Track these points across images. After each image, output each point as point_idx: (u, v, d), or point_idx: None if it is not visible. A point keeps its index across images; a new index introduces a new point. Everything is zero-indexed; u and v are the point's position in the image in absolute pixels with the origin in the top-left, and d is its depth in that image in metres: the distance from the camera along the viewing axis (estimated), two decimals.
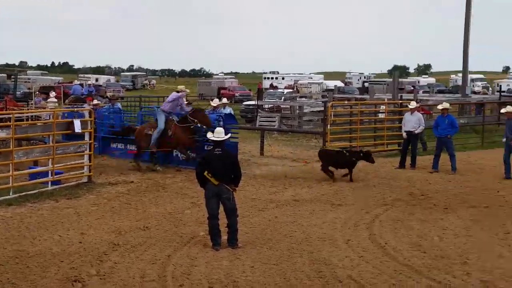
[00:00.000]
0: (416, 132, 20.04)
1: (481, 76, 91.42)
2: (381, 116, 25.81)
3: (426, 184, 17.15)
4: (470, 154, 22.78)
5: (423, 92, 62.10)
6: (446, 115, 19.58)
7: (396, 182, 17.29)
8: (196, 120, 18.50)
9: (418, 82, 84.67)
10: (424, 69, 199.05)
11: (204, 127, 18.13)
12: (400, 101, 26.60)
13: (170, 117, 18.95)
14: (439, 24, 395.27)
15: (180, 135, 18.61)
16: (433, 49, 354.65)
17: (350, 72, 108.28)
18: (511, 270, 9.59)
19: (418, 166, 19.80)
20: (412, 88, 58.35)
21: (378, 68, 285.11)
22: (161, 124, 18.66)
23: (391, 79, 44.38)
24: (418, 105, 21.54)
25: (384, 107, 26.43)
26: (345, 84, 78.17)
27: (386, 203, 14.60)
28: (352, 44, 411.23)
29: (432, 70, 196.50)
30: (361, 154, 17.95)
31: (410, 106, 20.45)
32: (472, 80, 76.63)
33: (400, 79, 66.13)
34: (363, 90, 64.43)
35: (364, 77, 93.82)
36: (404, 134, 20.12)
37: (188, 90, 21.67)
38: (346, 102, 35.98)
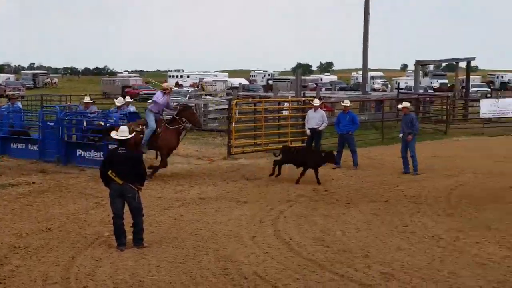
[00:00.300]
0: (320, 129, 20.42)
1: (381, 73, 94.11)
2: (285, 113, 26.12)
3: (329, 180, 17.49)
4: (370, 149, 23.42)
5: (326, 90, 63.29)
6: (347, 112, 20.07)
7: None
8: (184, 119, 17.55)
9: (321, 79, 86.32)
10: (326, 67, 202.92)
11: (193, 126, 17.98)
12: (303, 99, 27.01)
13: (161, 116, 17.83)
14: (341, 23, 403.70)
15: (168, 137, 17.45)
16: (335, 47, 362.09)
17: (254, 70, 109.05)
18: (409, 262, 9.94)
19: None
20: (315, 85, 59.28)
21: (282, 66, 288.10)
22: (152, 123, 17.34)
23: (294, 77, 44.90)
24: (321, 102, 21.97)
25: (288, 104, 26.76)
26: (250, 82, 78.73)
27: (290, 199, 14.83)
28: (256, 42, 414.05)
29: (334, 68, 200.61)
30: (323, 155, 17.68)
31: (314, 104, 20.80)
32: (372, 77, 78.82)
33: (303, 77, 67.25)
34: (268, 87, 65.12)
35: (268, 75, 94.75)
36: (308, 131, 20.46)
37: (174, 87, 20.94)
38: (250, 100, 36.21)
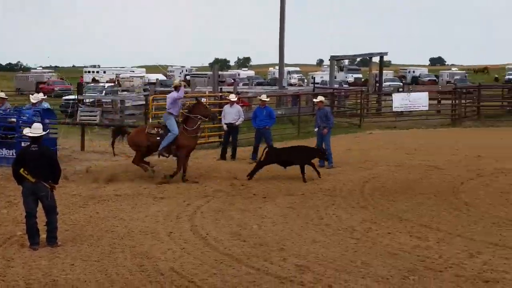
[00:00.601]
0: (237, 123, 20.50)
1: (297, 68, 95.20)
2: None
3: (246, 175, 17.59)
4: (287, 144, 23.64)
5: (243, 85, 63.53)
6: (264, 107, 20.24)
7: (217, 174, 17.60)
8: (199, 116, 17.03)
9: (238, 75, 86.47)
10: (244, 62, 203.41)
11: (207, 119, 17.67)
12: (220, 94, 27.08)
13: (177, 119, 17.10)
14: (258, 18, 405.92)
15: (187, 140, 16.82)
16: (252, 42, 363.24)
17: (172, 66, 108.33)
18: (324, 253, 10.13)
19: (238, 157, 20.29)
20: (233, 80, 59.50)
21: (200, 61, 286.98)
22: (175, 128, 16.63)
23: (212, 72, 44.92)
24: (237, 97, 22.06)
25: (205, 99, 26.73)
26: (167, 77, 78.17)
27: (208, 195, 14.86)
28: (173, 38, 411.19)
29: (251, 63, 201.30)
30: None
31: (230, 99, 20.86)
32: (289, 72, 79.68)
33: (220, 72, 67.32)
34: (185, 83, 64.75)
35: (186, 70, 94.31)
36: (225, 126, 20.50)
37: (184, 83, 20.33)
38: (167, 95, 35.99)
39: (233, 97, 20.91)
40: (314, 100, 21.05)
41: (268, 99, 21.32)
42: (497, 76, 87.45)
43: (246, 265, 9.61)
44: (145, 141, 16.77)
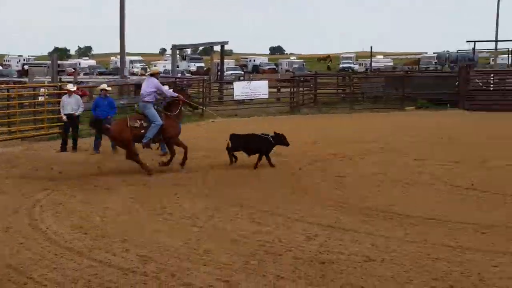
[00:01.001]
0: (77, 114, 20.04)
1: (140, 58, 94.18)
2: (41, 99, 25.25)
3: (88, 166, 17.27)
4: None
5: (84, 74, 62.06)
6: (105, 96, 19.91)
7: (57, 166, 17.14)
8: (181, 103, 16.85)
9: (79, 64, 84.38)
10: (85, 51, 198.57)
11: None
12: (60, 84, 26.33)
13: (156, 107, 16.53)
14: (98, 6, 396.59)
15: (173, 125, 16.60)
16: (94, 31, 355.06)
17: (8, 55, 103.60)
18: (166, 243, 10.16)
19: (79, 148, 19.87)
20: (73, 70, 57.88)
21: (38, 50, 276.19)
22: (158, 118, 16.18)
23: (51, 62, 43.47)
24: (76, 87, 21.56)
25: (44, 90, 25.87)
26: (3, 66, 74.78)
27: (47, 188, 14.41)
28: (8, 26, 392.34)
29: (93, 53, 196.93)
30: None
31: (69, 88, 20.33)
32: (131, 62, 78.67)
33: (60, 62, 65.20)
34: (23, 73, 62.35)
35: (24, 60, 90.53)
36: (64, 117, 19.96)
37: (160, 68, 18.60)
38: (3, 86, 34.44)
39: (71, 87, 20.42)
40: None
41: (109, 89, 21.03)
42: (329, 65, 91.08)
43: (88, 258, 9.45)
44: (129, 135, 16.12)
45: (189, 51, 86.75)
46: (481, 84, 34.75)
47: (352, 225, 11.16)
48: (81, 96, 21.60)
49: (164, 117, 16.47)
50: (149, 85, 16.52)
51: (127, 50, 41.39)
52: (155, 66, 18.36)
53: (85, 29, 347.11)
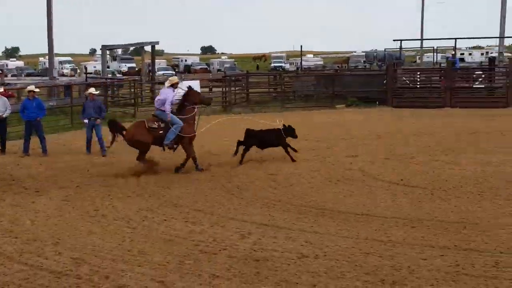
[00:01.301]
0: (4, 116, 19.58)
1: (69, 58, 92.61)
2: None
3: (18, 169, 16.97)
4: (60, 135, 23.10)
5: (12, 76, 60.64)
6: (33, 98, 19.53)
7: None
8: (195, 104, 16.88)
9: (7, 65, 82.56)
10: (12, 52, 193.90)
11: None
12: None
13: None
14: (25, 5, 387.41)
15: (188, 127, 16.40)
16: (21, 31, 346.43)
17: None
18: (100, 245, 10.07)
19: (8, 151, 19.44)
20: (0, 71, 56.51)
21: None
22: (178, 120, 16.25)
23: None
24: (3, 89, 21.09)
25: None
26: None
27: None
28: None
29: (20, 53, 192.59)
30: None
31: None
32: (61, 62, 77.31)
33: None
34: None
35: None
36: None
37: (176, 78, 18.11)
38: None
39: None
40: (86, 92, 20.85)
41: (37, 90, 20.65)
42: (258, 64, 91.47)
43: (19, 262, 9.28)
44: (149, 137, 16.03)
45: (119, 51, 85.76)
46: (408, 82, 35.55)
47: (286, 223, 11.29)
48: (7, 98, 21.11)
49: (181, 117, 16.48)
50: (166, 97, 16.56)
51: (56, 50, 40.74)
52: (174, 76, 17.90)
53: (12, 29, 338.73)
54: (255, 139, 17.22)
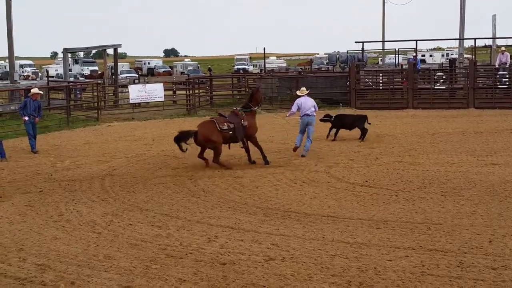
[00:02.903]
0: None
1: (30, 62, 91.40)
2: None
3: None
4: (22, 140, 22.75)
5: None
6: None
7: None
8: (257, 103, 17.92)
9: None
10: None
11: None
12: None
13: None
14: None
15: (254, 124, 17.48)
16: None
17: None
18: (65, 250, 9.98)
19: None
20: None
21: None
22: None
23: None
24: None
25: None
26: None
27: None
28: None
29: None
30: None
31: None
32: (21, 66, 76.33)
33: None
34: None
35: None
36: None
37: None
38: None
39: None
40: (31, 91, 21.28)
41: None
42: (210, 67, 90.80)
43: None
44: (221, 137, 16.74)
45: (81, 54, 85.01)
46: (371, 83, 35.84)
47: (252, 226, 11.30)
48: None
49: (245, 118, 17.19)
50: (309, 102, 18.88)
51: (16, 54, 40.15)
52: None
53: None
54: (343, 121, 21.73)
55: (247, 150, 17.43)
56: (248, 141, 17.42)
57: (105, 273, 8.91)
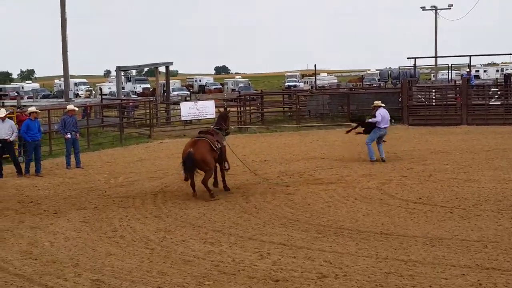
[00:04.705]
0: (11, 139, 19.64)
1: (84, 80, 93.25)
2: None
3: (35, 190, 17.07)
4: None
5: (28, 98, 61.14)
6: (35, 119, 19.86)
7: (3, 191, 16.89)
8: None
9: (22, 88, 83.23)
10: (28, 75, 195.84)
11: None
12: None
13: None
14: (40, 28, 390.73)
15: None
16: (36, 54, 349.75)
17: None
18: (119, 266, 10.07)
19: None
20: (16, 94, 56.95)
21: None
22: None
23: None
24: (8, 112, 21.17)
25: None
26: None
27: None
28: None
29: (36, 75, 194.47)
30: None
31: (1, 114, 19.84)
32: (76, 84, 77.87)
33: (2, 85, 64.18)
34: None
35: None
36: None
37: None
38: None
39: (3, 112, 19.99)
40: (67, 108, 21.86)
41: (39, 112, 21.15)
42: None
43: (39, 284, 9.30)
44: (214, 158, 15.67)
45: (134, 72, 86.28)
46: (423, 99, 35.46)
47: (305, 242, 11.23)
48: (22, 121, 21.30)
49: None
50: (388, 114, 20.07)
51: (71, 72, 41.00)
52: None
53: (28, 52, 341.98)
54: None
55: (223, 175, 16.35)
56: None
57: None
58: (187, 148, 15.25)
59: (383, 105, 20.47)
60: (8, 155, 19.86)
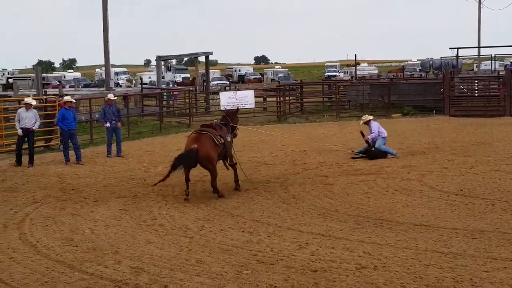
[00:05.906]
0: (34, 128, 19.87)
1: (125, 69, 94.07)
2: None
3: (76, 178, 17.29)
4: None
5: (70, 87, 61.93)
6: (69, 109, 20.14)
7: (45, 179, 17.15)
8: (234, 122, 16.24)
9: (64, 77, 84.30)
10: (69, 64, 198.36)
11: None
12: (46, 97, 26.26)
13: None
14: (81, 18, 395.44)
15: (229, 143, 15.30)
16: (78, 43, 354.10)
17: None
18: (158, 254, 10.15)
19: (60, 161, 19.87)
20: (58, 83, 57.70)
21: (22, 63, 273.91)
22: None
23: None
24: (34, 101, 21.17)
25: (35, 102, 25.75)
26: None
27: (37, 201, 14.40)
28: None
29: (77, 65, 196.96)
30: None
31: (28, 102, 20.00)
32: (116, 73, 78.60)
33: (45, 75, 65.16)
34: (8, 86, 62.26)
35: (8, 73, 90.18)
36: (20, 131, 19.61)
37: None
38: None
39: (28, 100, 20.22)
40: (106, 98, 22.21)
41: (74, 101, 21.26)
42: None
43: (79, 270, 9.42)
44: (218, 154, 14.77)
45: (174, 62, 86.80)
46: (465, 90, 34.96)
47: (343, 233, 11.18)
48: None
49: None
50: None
51: (111, 62, 41.47)
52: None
53: (70, 41, 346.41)
54: None
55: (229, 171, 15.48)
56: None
57: (197, 277, 9.00)
58: (190, 143, 14.39)
59: (371, 117, 20.47)
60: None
